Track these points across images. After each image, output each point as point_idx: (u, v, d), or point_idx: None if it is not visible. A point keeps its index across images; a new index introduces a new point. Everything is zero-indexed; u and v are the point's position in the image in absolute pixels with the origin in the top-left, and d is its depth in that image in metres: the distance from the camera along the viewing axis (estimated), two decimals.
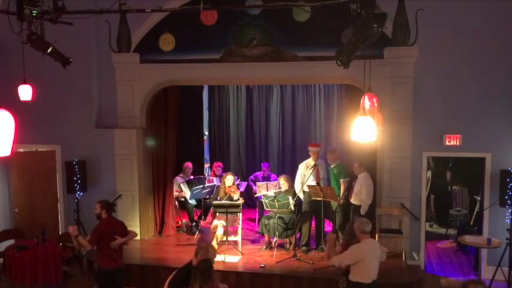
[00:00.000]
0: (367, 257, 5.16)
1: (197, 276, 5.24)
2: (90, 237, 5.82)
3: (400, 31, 7.13)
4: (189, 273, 5.36)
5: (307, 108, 11.61)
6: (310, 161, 8.48)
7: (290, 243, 8.34)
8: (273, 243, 8.20)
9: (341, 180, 8.40)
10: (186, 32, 8.38)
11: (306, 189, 8.26)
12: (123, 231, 6.02)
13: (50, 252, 7.23)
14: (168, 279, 5.60)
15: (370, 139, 4.92)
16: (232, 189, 8.66)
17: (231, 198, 8.53)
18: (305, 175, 8.38)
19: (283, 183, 8.64)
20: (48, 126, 8.89)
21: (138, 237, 8.82)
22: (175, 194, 9.50)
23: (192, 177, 9.91)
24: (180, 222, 9.78)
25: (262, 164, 10.81)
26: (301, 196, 8.32)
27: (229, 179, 8.75)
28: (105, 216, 5.91)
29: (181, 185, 9.51)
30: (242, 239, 8.57)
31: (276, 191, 8.83)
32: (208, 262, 5.50)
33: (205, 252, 5.53)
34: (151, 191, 9.32)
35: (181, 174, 9.71)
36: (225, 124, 12.12)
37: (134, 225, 8.86)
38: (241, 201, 8.46)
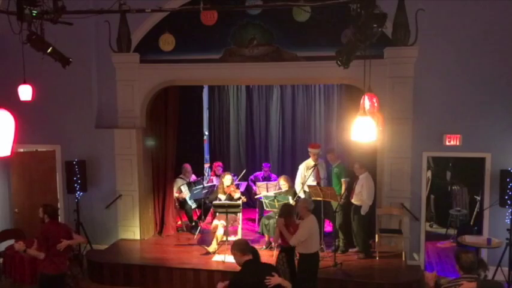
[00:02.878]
0: (314, 231, 6.22)
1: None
2: (37, 245, 5.69)
3: (400, 31, 7.10)
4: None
5: (307, 108, 11.60)
6: (310, 162, 8.48)
7: None
8: (273, 243, 8.19)
9: (342, 180, 8.40)
10: (186, 32, 8.37)
11: (307, 189, 8.25)
12: (68, 234, 5.88)
13: None
14: None
15: (370, 139, 4.91)
16: (232, 189, 8.65)
17: (231, 198, 8.53)
18: (305, 176, 8.37)
19: (283, 183, 8.63)
20: (48, 126, 8.89)
21: (138, 237, 8.88)
22: (176, 195, 9.49)
23: (193, 177, 9.90)
24: (180, 222, 9.78)
25: (263, 164, 10.81)
26: (302, 196, 8.30)
27: (227, 179, 8.75)
28: (47, 221, 5.82)
29: (182, 187, 9.49)
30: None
31: (277, 191, 8.82)
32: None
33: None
34: (151, 191, 9.31)
35: (181, 176, 9.69)
36: (225, 124, 12.11)
37: (134, 225, 8.88)
38: (243, 199, 8.45)
